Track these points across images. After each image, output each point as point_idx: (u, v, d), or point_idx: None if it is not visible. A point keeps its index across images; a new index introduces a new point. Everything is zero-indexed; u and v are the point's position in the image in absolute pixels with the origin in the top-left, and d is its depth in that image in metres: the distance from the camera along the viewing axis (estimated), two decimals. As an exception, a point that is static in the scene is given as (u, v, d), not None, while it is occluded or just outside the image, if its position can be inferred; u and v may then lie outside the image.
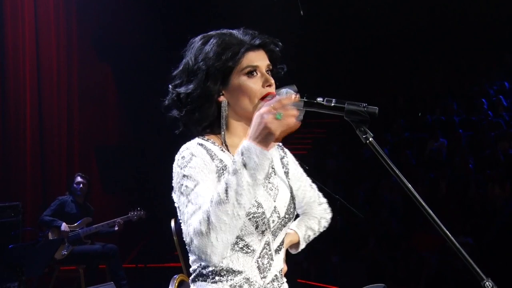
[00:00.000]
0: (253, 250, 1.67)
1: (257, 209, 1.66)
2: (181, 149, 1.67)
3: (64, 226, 6.38)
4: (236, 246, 1.65)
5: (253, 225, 1.65)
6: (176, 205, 1.65)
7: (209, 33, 1.75)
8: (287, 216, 1.76)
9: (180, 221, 1.63)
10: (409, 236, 7.55)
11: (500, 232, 6.81)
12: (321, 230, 2.04)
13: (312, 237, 2.03)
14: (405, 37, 10.59)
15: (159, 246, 7.80)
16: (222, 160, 1.67)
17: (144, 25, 8.83)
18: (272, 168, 1.83)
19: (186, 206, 1.54)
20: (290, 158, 1.93)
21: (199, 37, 1.75)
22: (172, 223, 5.20)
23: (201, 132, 1.74)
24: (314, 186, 2.02)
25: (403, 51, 10.74)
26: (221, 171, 1.64)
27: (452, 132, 9.27)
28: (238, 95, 1.69)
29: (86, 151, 8.64)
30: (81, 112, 8.58)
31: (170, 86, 1.74)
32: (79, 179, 6.70)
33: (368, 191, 8.47)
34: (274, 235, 1.73)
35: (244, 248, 1.66)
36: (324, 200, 2.05)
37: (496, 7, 9.91)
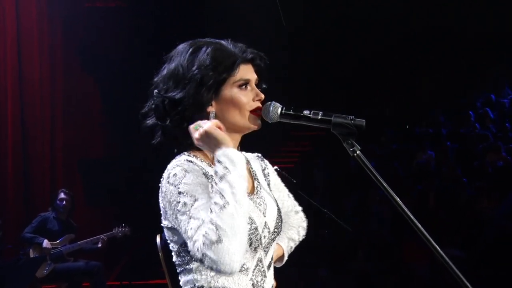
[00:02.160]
0: (246, 268, 1.67)
1: (251, 225, 1.65)
2: (169, 167, 1.63)
3: (46, 243, 6.33)
4: None
5: (247, 242, 1.63)
6: (165, 224, 1.63)
7: (197, 40, 1.73)
8: (276, 230, 1.77)
9: (168, 239, 1.64)
10: (399, 248, 7.57)
11: (489, 244, 6.85)
12: (301, 239, 2.04)
13: (293, 248, 2.02)
14: (392, 49, 10.68)
15: (144, 262, 7.73)
16: (213, 178, 1.61)
17: (130, 36, 8.82)
18: (258, 181, 1.82)
19: (188, 222, 1.51)
20: (270, 169, 1.95)
21: (186, 44, 1.73)
22: (158, 239, 5.19)
23: (186, 146, 1.71)
24: (291, 195, 2.03)
25: (390, 63, 10.83)
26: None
27: (440, 144, 9.35)
28: (229, 107, 1.69)
29: (70, 165, 8.58)
30: (65, 124, 8.53)
31: (155, 91, 1.70)
32: (62, 195, 6.66)
33: (356, 203, 8.49)
34: (265, 251, 1.73)
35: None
36: (300, 208, 2.05)
37: (482, 20, 10.04)
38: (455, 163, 8.71)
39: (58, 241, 6.45)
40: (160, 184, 1.66)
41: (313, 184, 8.88)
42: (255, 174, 1.84)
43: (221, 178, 1.50)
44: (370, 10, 10.25)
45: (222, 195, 1.47)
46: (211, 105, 1.70)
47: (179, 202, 1.55)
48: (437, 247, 1.65)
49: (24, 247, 6.47)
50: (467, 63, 10.57)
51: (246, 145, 1.83)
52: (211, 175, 1.62)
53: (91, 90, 8.92)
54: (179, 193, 1.56)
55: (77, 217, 7.10)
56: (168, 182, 1.60)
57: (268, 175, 1.92)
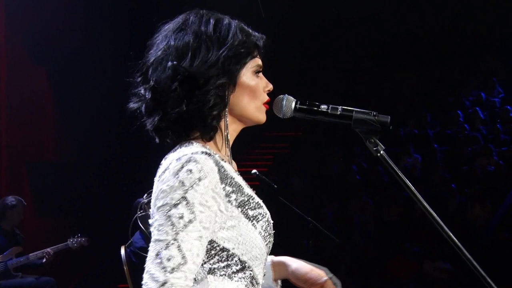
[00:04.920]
0: (258, 284, 1.59)
1: (270, 231, 1.59)
2: (181, 157, 1.48)
3: (-12, 257, 6.17)
4: (246, 281, 1.55)
5: (266, 252, 1.59)
6: (151, 221, 1.50)
7: (206, 11, 1.63)
8: (273, 238, 1.72)
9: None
10: (384, 262, 7.62)
11: (482, 256, 6.95)
12: None
13: None
14: (374, 43, 10.78)
15: (104, 277, 7.63)
16: (232, 178, 1.54)
17: (86, 24, 8.68)
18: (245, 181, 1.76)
19: (169, 244, 1.41)
20: None
21: (196, 13, 1.61)
22: (122, 251, 5.08)
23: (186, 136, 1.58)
24: None
25: (372, 58, 10.93)
26: (233, 193, 1.52)
27: (427, 147, 9.46)
28: (244, 94, 1.61)
29: (17, 168, 8.39)
30: (10, 123, 8.33)
31: (172, 63, 1.54)
32: (10, 202, 6.49)
33: (337, 212, 8.52)
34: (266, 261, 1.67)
35: (254, 283, 1.57)
36: None
37: (471, 15, 10.22)
38: (443, 167, 8.82)
39: (3, 255, 6.29)
40: (159, 171, 1.52)
41: (290, 189, 8.86)
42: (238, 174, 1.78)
43: None
44: (355, 7, 10.35)
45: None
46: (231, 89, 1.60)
47: (176, 205, 1.42)
48: (472, 259, 1.60)
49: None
50: (455, 59, 10.73)
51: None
52: (229, 175, 1.53)
53: (42, 84, 8.74)
54: (183, 197, 1.43)
55: (25, 229, 6.94)
56: (175, 175, 1.46)
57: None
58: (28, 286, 6.29)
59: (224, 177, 1.51)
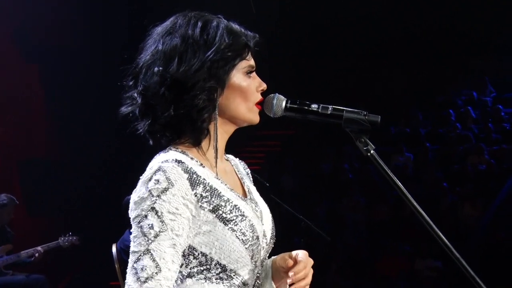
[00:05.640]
0: (247, 285, 1.61)
1: (252, 235, 1.59)
2: (153, 165, 1.53)
3: (-23, 255, 6.17)
4: (229, 283, 1.57)
5: (249, 255, 1.59)
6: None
7: (195, 13, 1.63)
8: (271, 240, 1.72)
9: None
10: (375, 260, 7.65)
11: (473, 254, 7.00)
12: None
13: None
14: (364, 40, 10.80)
15: (95, 275, 7.62)
16: (206, 183, 1.55)
17: (78, 21, 8.66)
18: (247, 185, 1.76)
19: (142, 254, 1.46)
20: (250, 173, 1.90)
21: (184, 16, 1.62)
22: (113, 248, 5.09)
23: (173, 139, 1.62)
24: None
25: (362, 55, 10.94)
26: (205, 198, 1.53)
27: (418, 146, 9.50)
28: (235, 95, 1.62)
29: (7, 166, 8.36)
30: (1, 121, 8.30)
31: (157, 68, 1.55)
32: (2, 200, 6.48)
33: (329, 211, 8.54)
34: (262, 265, 1.67)
35: (241, 285, 1.59)
36: None
37: (463, 13, 10.27)
38: (435, 166, 8.87)
39: (-9, 253, 6.29)
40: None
41: (281, 188, 8.88)
42: (242, 178, 1.78)
43: None
44: (348, 7, 10.38)
45: None
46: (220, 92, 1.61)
47: (146, 216, 1.47)
48: (460, 258, 1.63)
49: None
50: (447, 57, 10.76)
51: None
52: (202, 180, 1.54)
53: (33, 82, 8.70)
54: (152, 208, 1.48)
55: (15, 226, 6.91)
56: (145, 185, 1.50)
57: (252, 180, 1.86)
58: (19, 283, 6.27)
59: (195, 183, 1.52)
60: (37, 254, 6.32)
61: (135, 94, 1.59)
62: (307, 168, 9.53)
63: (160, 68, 1.55)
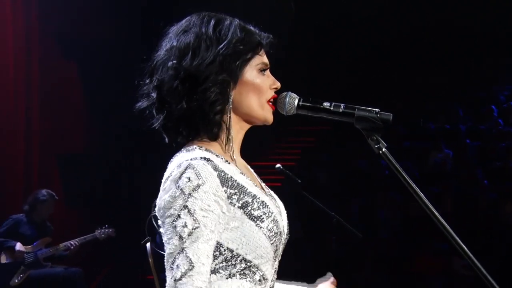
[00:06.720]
0: (266, 279, 1.64)
1: (277, 230, 1.62)
2: (181, 163, 1.56)
3: (19, 246, 6.32)
4: (252, 278, 1.60)
5: (273, 250, 1.63)
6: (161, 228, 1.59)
7: (209, 13, 1.69)
8: (288, 236, 1.75)
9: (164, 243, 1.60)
10: (411, 258, 7.58)
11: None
12: None
13: None
14: (404, 37, 10.69)
15: (131, 269, 7.72)
16: (233, 180, 1.59)
17: (115, 18, 8.76)
18: (258, 179, 1.80)
19: (179, 253, 1.49)
20: None
21: (199, 15, 1.68)
22: (148, 243, 5.16)
23: (190, 135, 1.66)
24: None
25: (402, 52, 10.83)
26: (234, 195, 1.57)
27: (458, 142, 9.35)
28: (248, 91, 1.66)
29: (47, 161, 8.52)
30: (42, 115, 8.46)
31: (172, 62, 1.61)
32: (43, 196, 6.62)
33: (363, 207, 8.48)
34: (278, 260, 1.71)
35: (261, 280, 1.62)
36: None
37: (505, 6, 10.05)
38: (475, 163, 8.72)
39: (33, 245, 6.43)
40: (165, 175, 1.60)
41: (315, 184, 8.85)
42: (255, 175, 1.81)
43: None
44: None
45: None
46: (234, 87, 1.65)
47: (179, 216, 1.51)
48: (471, 255, 1.63)
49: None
50: (489, 52, 10.56)
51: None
52: (230, 177, 1.58)
53: (71, 78, 8.83)
54: (185, 206, 1.52)
55: (55, 220, 7.05)
56: (176, 183, 1.54)
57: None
58: (57, 275, 6.42)
59: (224, 180, 1.57)
60: (72, 247, 6.46)
61: (151, 90, 1.65)
62: (343, 164, 9.47)
63: (174, 61, 1.60)
